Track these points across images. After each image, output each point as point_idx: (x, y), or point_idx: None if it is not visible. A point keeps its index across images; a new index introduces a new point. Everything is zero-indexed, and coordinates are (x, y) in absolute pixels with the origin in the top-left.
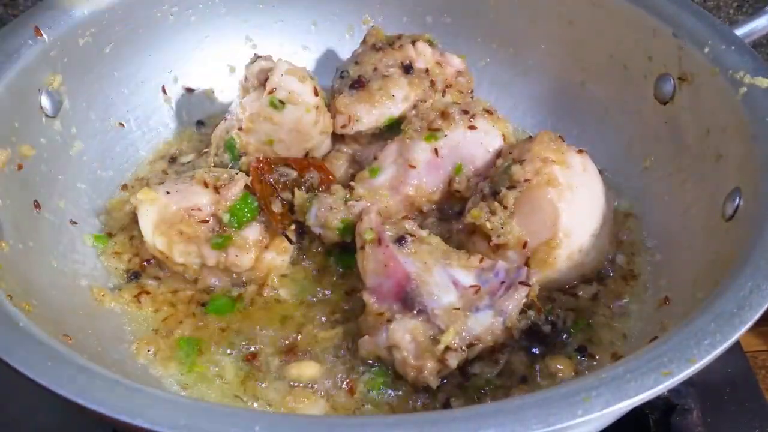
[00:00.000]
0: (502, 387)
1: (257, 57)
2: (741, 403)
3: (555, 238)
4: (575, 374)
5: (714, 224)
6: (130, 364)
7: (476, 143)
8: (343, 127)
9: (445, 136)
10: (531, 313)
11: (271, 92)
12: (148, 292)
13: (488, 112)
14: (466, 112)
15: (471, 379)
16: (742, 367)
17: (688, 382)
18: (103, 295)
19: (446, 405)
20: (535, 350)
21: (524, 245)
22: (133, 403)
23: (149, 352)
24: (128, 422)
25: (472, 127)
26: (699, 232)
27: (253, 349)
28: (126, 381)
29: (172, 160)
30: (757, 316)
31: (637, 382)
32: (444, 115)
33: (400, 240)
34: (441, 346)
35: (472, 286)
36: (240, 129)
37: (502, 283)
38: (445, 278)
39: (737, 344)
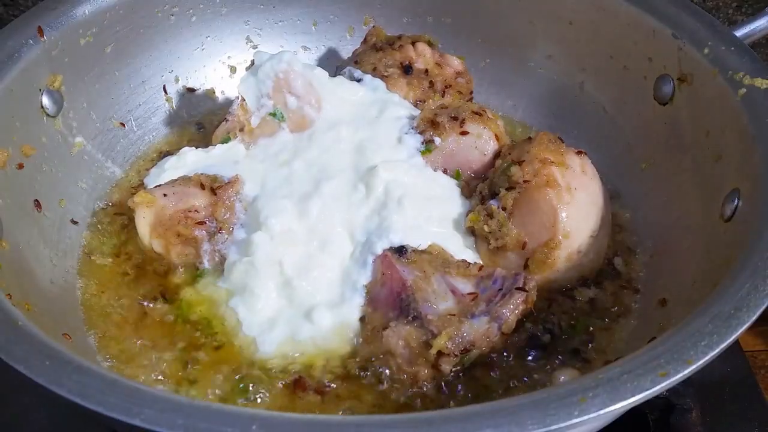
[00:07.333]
0: (502, 394)
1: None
2: (740, 402)
3: (554, 239)
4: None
5: (712, 225)
6: (129, 364)
7: (470, 147)
8: None
9: (437, 147)
10: (528, 325)
11: None
12: (147, 292)
13: (477, 114)
14: (455, 118)
15: (470, 386)
16: (742, 366)
17: (688, 382)
18: (102, 293)
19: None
20: (535, 355)
21: (523, 246)
22: (131, 403)
23: (150, 351)
24: (126, 422)
25: (463, 133)
26: (697, 233)
27: None
28: (124, 380)
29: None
30: (754, 318)
31: (634, 383)
32: (434, 124)
33: (399, 250)
34: (433, 351)
35: (469, 294)
36: (241, 130)
37: (500, 290)
38: (444, 286)
39: (736, 344)
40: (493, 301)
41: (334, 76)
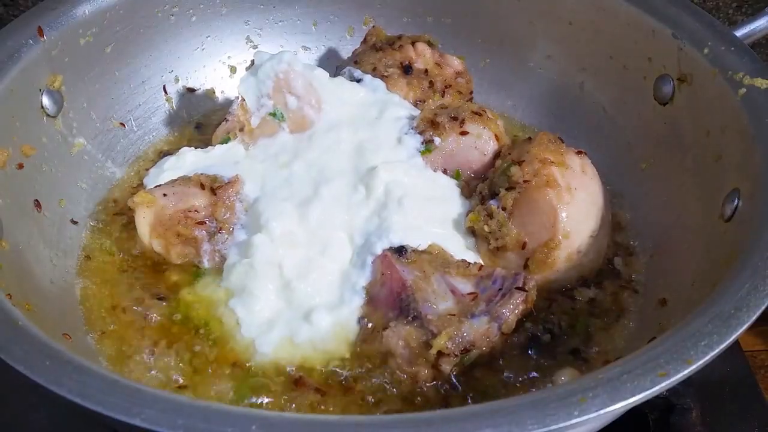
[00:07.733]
0: (502, 394)
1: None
2: (740, 402)
3: (554, 239)
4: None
5: (712, 225)
6: (128, 364)
7: (470, 147)
8: None
9: (437, 147)
10: (528, 325)
11: None
12: (146, 292)
13: (477, 114)
14: (455, 118)
15: (470, 386)
16: (742, 366)
17: (688, 382)
18: (102, 293)
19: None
20: (535, 355)
21: (523, 246)
22: (131, 403)
23: (149, 352)
24: (126, 422)
25: (463, 133)
26: (697, 233)
27: None
28: (124, 380)
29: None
30: (754, 318)
31: (634, 383)
32: (434, 124)
33: (399, 250)
34: (433, 351)
35: (469, 294)
36: (241, 130)
37: (500, 290)
38: (443, 286)
39: (736, 344)
40: (493, 301)
41: (334, 76)
